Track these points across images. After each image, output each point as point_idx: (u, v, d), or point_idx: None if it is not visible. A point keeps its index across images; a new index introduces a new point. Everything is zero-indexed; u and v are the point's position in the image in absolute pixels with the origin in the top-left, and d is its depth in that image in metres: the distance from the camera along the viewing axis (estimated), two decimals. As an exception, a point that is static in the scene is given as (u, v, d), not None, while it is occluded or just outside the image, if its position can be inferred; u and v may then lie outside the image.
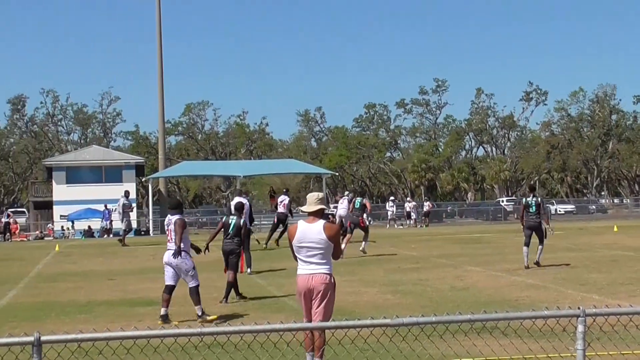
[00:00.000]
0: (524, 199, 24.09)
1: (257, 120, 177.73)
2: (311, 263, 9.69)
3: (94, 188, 66.78)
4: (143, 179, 77.08)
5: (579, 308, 6.94)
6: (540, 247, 23.07)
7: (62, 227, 66.76)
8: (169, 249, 14.95)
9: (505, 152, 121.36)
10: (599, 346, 8.90)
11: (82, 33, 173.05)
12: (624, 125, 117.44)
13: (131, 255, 33.02)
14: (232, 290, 17.50)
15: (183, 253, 14.82)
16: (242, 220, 17.87)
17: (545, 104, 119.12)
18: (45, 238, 62.52)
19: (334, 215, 34.15)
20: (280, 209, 33.94)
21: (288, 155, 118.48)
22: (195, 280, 15.01)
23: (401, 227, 60.65)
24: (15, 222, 64.52)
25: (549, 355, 9.05)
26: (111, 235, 55.79)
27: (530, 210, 23.03)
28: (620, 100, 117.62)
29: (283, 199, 34.59)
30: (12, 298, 19.24)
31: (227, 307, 16.65)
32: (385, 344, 8.34)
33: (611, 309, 7.31)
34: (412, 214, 62.05)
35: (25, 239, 61.55)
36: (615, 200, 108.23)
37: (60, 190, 69.30)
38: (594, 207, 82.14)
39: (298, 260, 9.89)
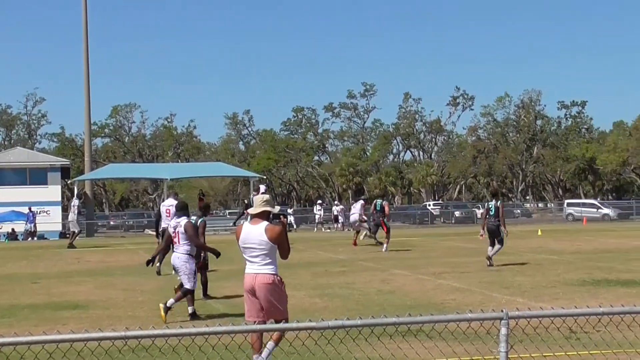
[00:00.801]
0: (486, 204, 25.64)
1: (185, 123, 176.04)
2: (255, 263, 9.93)
3: (18, 190, 65.61)
4: (69, 182, 75.98)
5: (502, 311, 7.03)
6: (498, 246, 24.59)
7: (-15, 229, 65.47)
8: (174, 253, 15.18)
9: (433, 156, 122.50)
10: (521, 348, 9.04)
11: (6, 33, 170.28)
12: (549, 131, 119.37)
13: (56, 258, 32.56)
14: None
15: (187, 256, 15.00)
16: (200, 220, 17.30)
17: (471, 109, 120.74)
18: (-33, 241, 61.22)
19: (285, 216, 34.27)
20: None
21: (216, 158, 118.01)
22: (191, 284, 15.04)
23: (329, 230, 60.79)
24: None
25: (473, 358, 9.15)
26: (35, 238, 54.94)
27: (490, 214, 24.63)
28: (545, 105, 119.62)
29: None
30: None
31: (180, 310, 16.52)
32: (311, 347, 8.35)
33: (533, 312, 7.41)
34: (339, 217, 62.24)
35: (-54, 242, 60.21)
36: (540, 205, 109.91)
37: (-17, 193, 68.03)
38: (519, 211, 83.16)
39: (245, 260, 10.12)
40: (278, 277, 9.90)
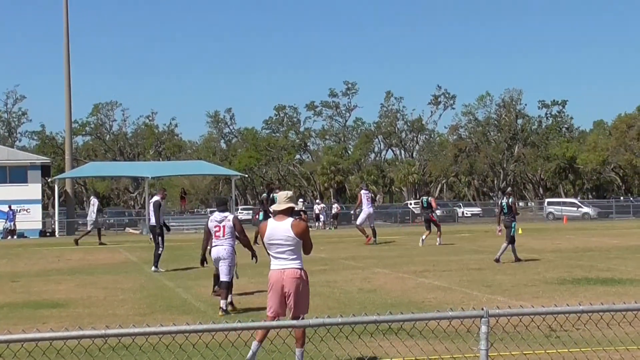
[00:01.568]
0: (500, 201, 27.16)
1: (166, 121, 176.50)
2: (282, 259, 10.06)
3: (-3, 188, 65.39)
4: (49, 180, 75.69)
5: (482, 309, 7.04)
6: (504, 244, 25.36)
7: (-36, 228, 65.13)
8: (216, 246, 15.63)
9: (414, 155, 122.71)
10: (502, 346, 9.07)
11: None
12: (529, 130, 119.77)
13: (36, 256, 32.43)
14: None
15: (232, 248, 15.74)
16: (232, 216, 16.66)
17: (453, 108, 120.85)
18: (-53, 239, 60.91)
19: (305, 212, 34.84)
20: None
21: (197, 156, 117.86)
22: (228, 277, 15.55)
23: (310, 229, 60.72)
24: None
25: (453, 356, 9.17)
26: (15, 237, 54.71)
27: (504, 212, 25.86)
28: (526, 105, 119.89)
29: None
30: None
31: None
32: (292, 345, 8.35)
33: (513, 310, 7.44)
34: (321, 216, 62.25)
35: None
36: (521, 204, 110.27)
37: (-37, 191, 67.68)
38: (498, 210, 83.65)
39: (270, 256, 10.27)
40: (305, 272, 10.10)
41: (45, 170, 70.06)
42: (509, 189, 34.09)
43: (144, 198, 78.59)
